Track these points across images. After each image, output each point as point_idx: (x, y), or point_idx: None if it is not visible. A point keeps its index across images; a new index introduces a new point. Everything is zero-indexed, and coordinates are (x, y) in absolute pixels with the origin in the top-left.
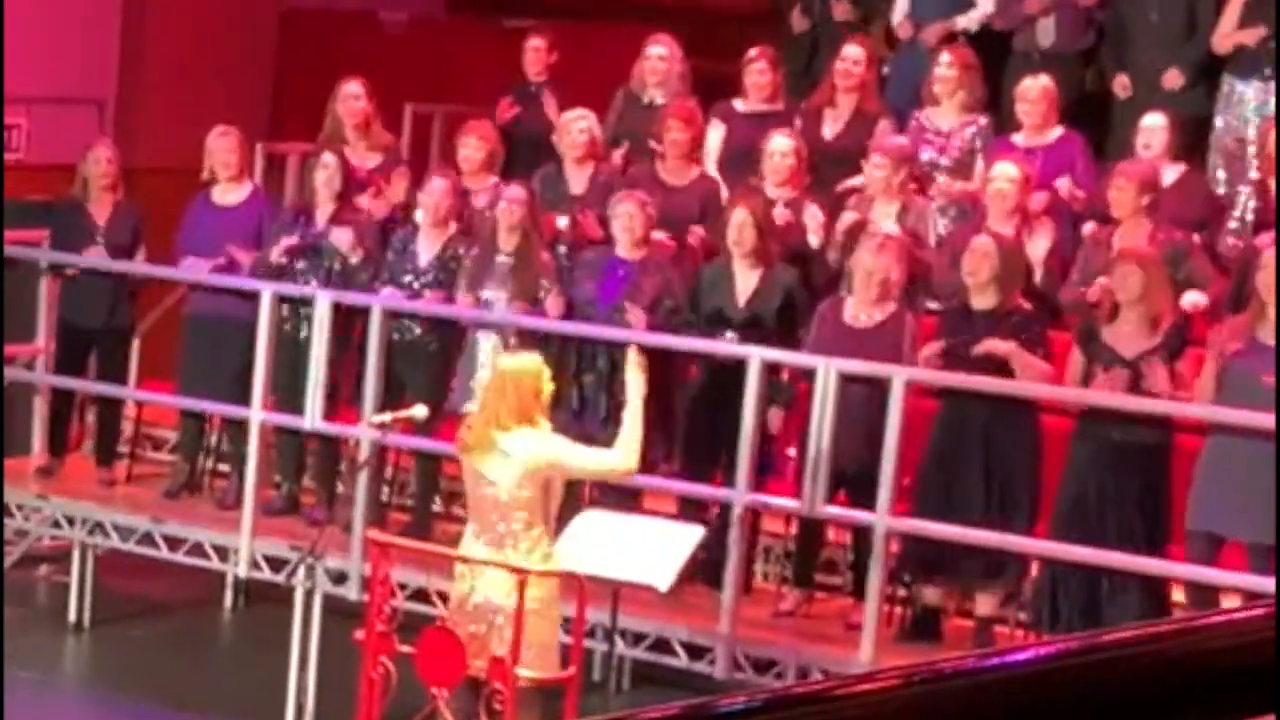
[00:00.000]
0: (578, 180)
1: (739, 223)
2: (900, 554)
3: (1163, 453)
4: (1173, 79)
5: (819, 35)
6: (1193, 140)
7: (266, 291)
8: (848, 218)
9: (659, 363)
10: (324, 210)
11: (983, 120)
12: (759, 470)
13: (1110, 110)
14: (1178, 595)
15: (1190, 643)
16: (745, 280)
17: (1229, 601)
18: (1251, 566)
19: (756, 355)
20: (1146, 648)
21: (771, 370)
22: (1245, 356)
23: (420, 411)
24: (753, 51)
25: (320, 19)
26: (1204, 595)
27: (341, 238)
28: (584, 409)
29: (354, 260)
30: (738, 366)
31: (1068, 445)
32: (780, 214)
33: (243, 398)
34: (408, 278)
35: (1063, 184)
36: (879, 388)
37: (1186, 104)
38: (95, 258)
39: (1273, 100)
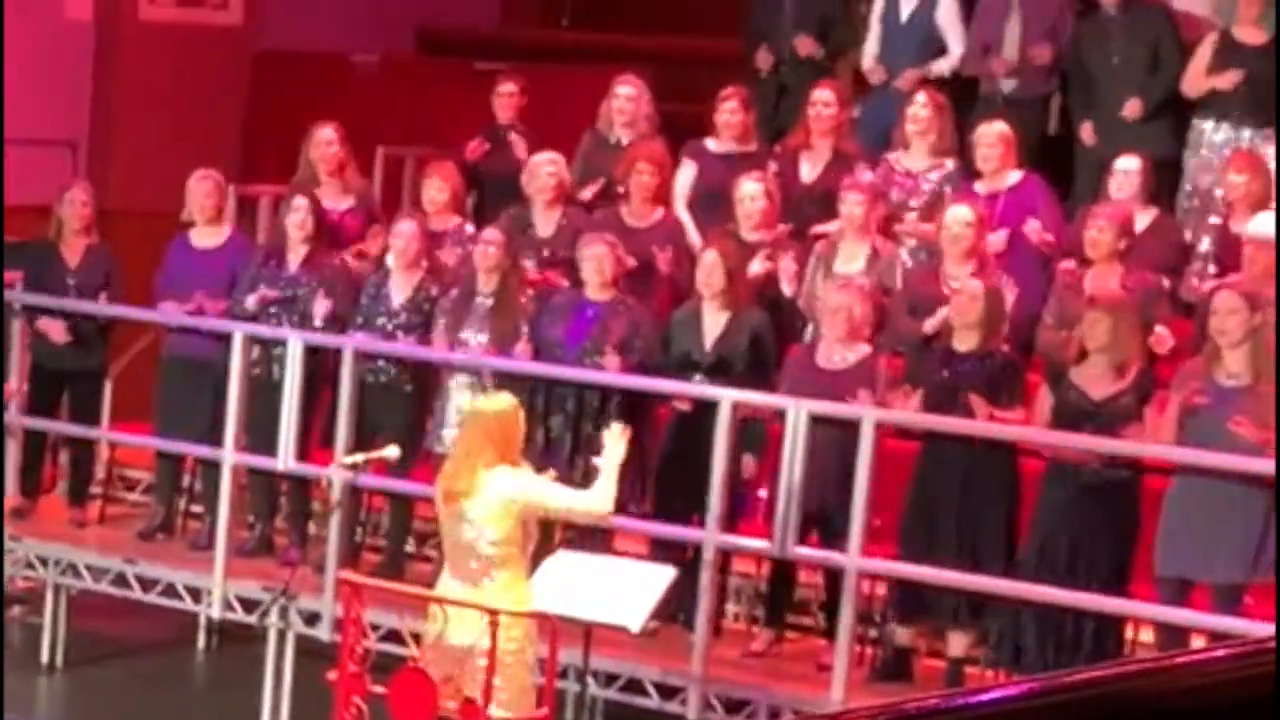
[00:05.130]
0: (545, 224)
1: (709, 264)
2: (887, 596)
3: (1133, 493)
4: (1133, 109)
5: (785, 76)
6: (1159, 183)
7: (239, 333)
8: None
9: (630, 406)
10: (296, 254)
11: (950, 164)
12: (731, 515)
13: (1074, 154)
14: (1144, 636)
15: (1155, 683)
16: (713, 323)
17: (1197, 644)
18: (1216, 608)
19: (727, 397)
20: (1110, 688)
21: (745, 415)
22: (1203, 400)
23: (392, 452)
24: (725, 91)
25: (293, 61)
26: (1174, 638)
27: (320, 308)
28: (549, 449)
29: (318, 322)
30: (707, 410)
31: (1039, 486)
32: (761, 266)
33: (218, 440)
34: (380, 320)
35: (1031, 228)
36: (851, 428)
37: (1152, 146)
38: (64, 301)
39: (1243, 143)
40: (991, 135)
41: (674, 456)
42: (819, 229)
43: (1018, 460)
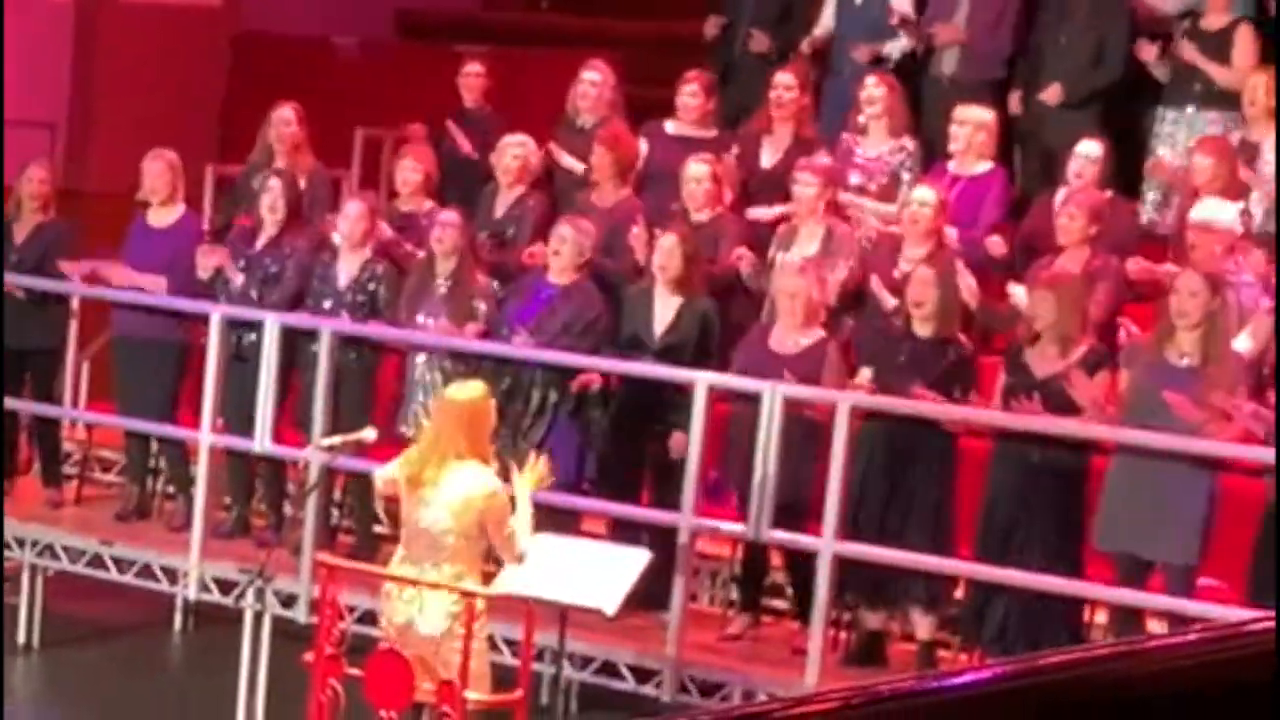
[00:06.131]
0: (501, 204)
1: (667, 248)
2: (836, 578)
3: (1079, 473)
4: (1053, 94)
5: (738, 65)
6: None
7: (216, 314)
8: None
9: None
10: (267, 234)
11: (909, 145)
12: (663, 495)
13: (1015, 138)
14: (1099, 617)
15: (1127, 666)
16: (663, 308)
17: (1154, 626)
18: (1169, 589)
19: (703, 380)
20: (1081, 671)
21: (679, 392)
22: (1151, 377)
23: (369, 434)
24: (688, 74)
25: (272, 44)
26: (1129, 619)
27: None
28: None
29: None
30: (649, 391)
31: (988, 468)
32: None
33: (173, 419)
34: (327, 302)
35: (950, 234)
36: (803, 410)
37: (1069, 132)
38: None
39: (1211, 128)
40: (971, 117)
41: (622, 435)
42: (754, 213)
43: (955, 443)
